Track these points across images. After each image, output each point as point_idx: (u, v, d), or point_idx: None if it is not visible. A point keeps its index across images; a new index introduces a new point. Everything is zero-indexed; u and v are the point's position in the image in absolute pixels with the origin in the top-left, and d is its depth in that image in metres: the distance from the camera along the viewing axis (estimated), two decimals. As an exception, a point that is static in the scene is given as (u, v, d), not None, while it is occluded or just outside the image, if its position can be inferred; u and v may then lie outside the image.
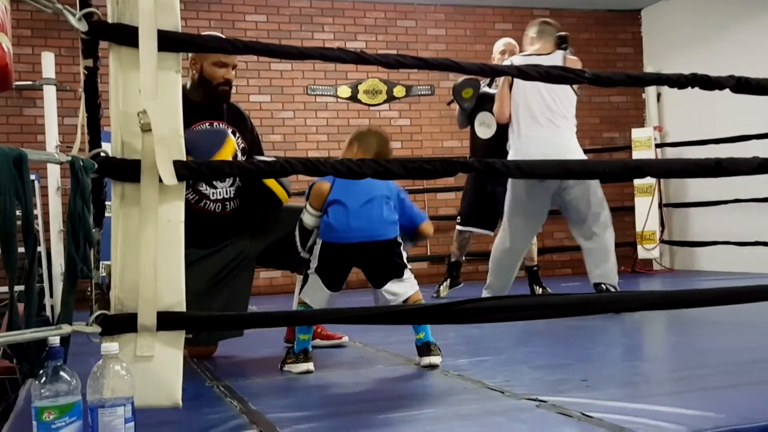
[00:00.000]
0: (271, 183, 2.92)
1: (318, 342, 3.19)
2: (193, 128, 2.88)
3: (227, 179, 2.95)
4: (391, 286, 2.64)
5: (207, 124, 2.98)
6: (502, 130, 4.52)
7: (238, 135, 3.04)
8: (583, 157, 4.14)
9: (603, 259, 4.08)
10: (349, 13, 6.97)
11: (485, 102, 4.78)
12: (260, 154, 3.20)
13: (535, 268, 4.99)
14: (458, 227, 5.05)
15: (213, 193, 2.95)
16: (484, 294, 4.42)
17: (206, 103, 2.99)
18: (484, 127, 4.83)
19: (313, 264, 2.66)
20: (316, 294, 2.64)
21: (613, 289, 4.00)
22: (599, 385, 2.17)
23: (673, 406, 1.85)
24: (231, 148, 2.73)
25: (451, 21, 7.23)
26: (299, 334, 2.63)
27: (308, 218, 2.69)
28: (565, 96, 4.19)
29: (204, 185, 2.92)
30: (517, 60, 4.23)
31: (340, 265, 2.66)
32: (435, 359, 2.60)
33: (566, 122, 4.17)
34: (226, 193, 2.98)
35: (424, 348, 2.63)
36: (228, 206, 2.99)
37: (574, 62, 4.10)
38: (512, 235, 4.24)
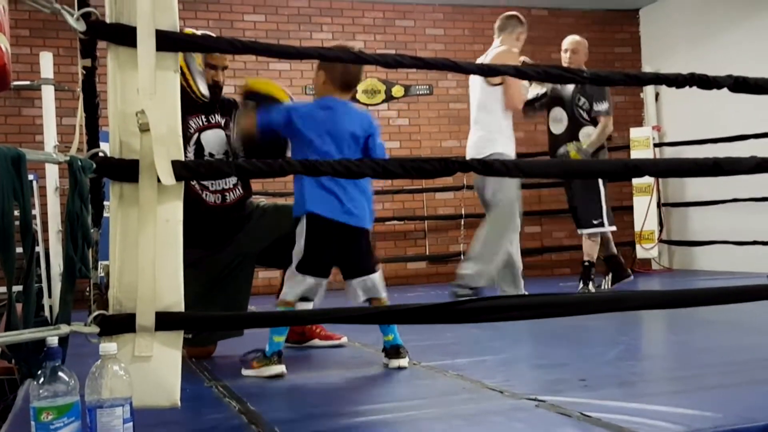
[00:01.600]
0: (266, 86, 2.88)
1: (317, 342, 3.19)
2: (190, 127, 2.89)
3: None
4: (369, 277, 2.62)
5: (203, 117, 2.96)
6: (574, 124, 4.69)
7: (231, 125, 3.01)
8: (498, 152, 4.13)
9: (473, 254, 4.14)
10: (348, 12, 6.97)
11: (556, 99, 4.84)
12: None
13: (587, 264, 4.92)
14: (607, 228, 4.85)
15: (212, 183, 2.89)
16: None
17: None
18: (556, 122, 4.87)
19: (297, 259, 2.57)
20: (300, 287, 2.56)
21: (467, 290, 3.97)
22: (598, 385, 2.17)
23: (671, 406, 1.85)
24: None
25: (450, 21, 7.23)
26: (273, 335, 2.56)
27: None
28: (485, 92, 4.28)
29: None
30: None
31: (326, 244, 2.56)
32: (403, 362, 2.61)
33: (488, 117, 4.24)
34: (226, 183, 2.93)
35: (393, 351, 2.63)
36: (228, 197, 2.95)
37: (500, 54, 4.25)
38: None
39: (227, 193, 2.95)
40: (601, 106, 4.66)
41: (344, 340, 3.19)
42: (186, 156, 2.66)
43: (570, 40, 4.93)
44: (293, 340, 3.23)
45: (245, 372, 2.56)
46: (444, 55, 7.07)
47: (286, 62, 6.55)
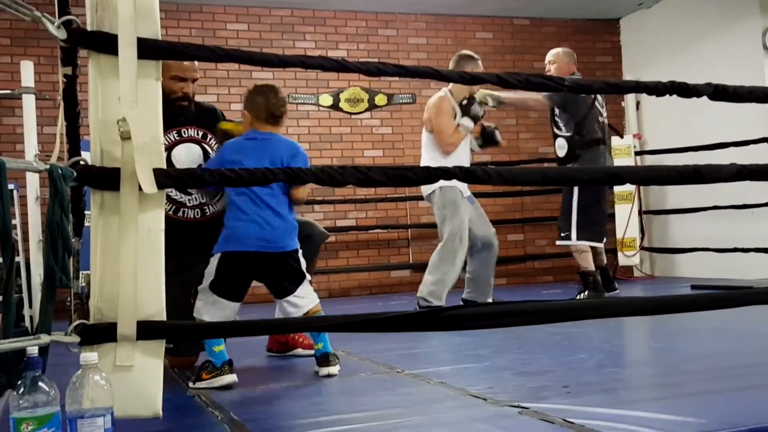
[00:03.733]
0: (237, 128, 2.92)
1: (300, 351, 3.17)
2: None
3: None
4: (294, 298, 2.68)
5: (173, 132, 2.96)
6: (578, 132, 4.74)
7: (210, 136, 3.03)
8: (446, 185, 4.35)
9: (427, 271, 4.40)
10: (331, 21, 6.98)
11: (555, 129, 4.91)
12: None
13: (580, 272, 4.94)
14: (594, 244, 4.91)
15: (189, 200, 2.94)
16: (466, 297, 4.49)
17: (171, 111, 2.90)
18: (561, 149, 4.88)
19: (208, 279, 2.63)
20: (216, 311, 2.61)
21: (423, 303, 4.27)
22: (581, 392, 2.18)
23: (654, 412, 1.86)
24: None
25: (432, 30, 7.27)
26: (213, 346, 2.57)
27: None
28: (425, 135, 4.58)
29: (177, 193, 2.91)
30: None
31: (239, 275, 2.65)
32: (333, 369, 2.66)
33: (428, 156, 4.51)
34: (203, 198, 2.95)
35: (323, 358, 2.68)
36: (207, 210, 2.97)
37: (432, 105, 4.53)
38: None
39: (206, 208, 2.96)
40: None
41: None
42: None
43: (551, 53, 5.02)
44: (276, 350, 3.22)
45: (196, 385, 2.54)
46: (427, 64, 7.10)
47: (268, 71, 6.54)
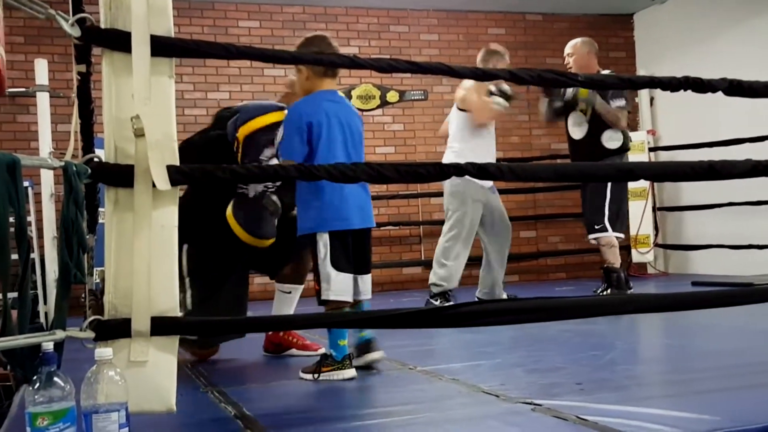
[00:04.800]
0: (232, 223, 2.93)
1: (294, 352, 3.16)
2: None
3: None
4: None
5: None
6: (596, 128, 4.64)
7: None
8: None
9: (435, 258, 4.53)
10: (342, 18, 6.98)
11: (575, 104, 4.77)
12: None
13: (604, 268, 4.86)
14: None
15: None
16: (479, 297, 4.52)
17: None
18: (576, 127, 4.79)
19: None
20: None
21: (434, 302, 4.35)
22: (594, 389, 2.18)
23: (667, 409, 1.85)
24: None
25: (444, 26, 7.25)
26: (338, 340, 2.57)
27: None
28: (456, 117, 4.59)
29: None
30: None
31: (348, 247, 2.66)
32: (377, 354, 2.68)
33: (458, 140, 4.53)
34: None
35: (367, 345, 2.68)
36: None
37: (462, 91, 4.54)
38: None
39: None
40: (618, 102, 4.61)
41: (322, 350, 3.02)
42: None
43: (569, 44, 4.90)
44: (269, 351, 3.20)
45: (318, 378, 2.53)
46: (438, 60, 7.08)
47: (280, 68, 6.54)
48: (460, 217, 4.45)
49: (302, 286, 3.22)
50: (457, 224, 4.46)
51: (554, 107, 4.78)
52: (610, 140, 4.66)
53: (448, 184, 4.48)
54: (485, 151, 4.45)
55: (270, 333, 3.18)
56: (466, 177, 4.05)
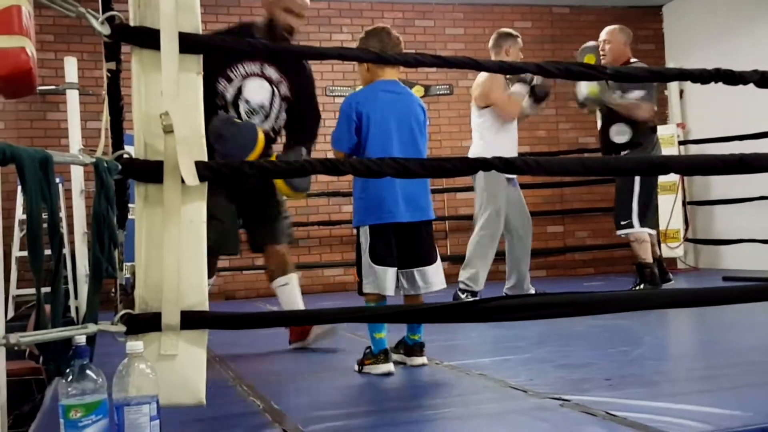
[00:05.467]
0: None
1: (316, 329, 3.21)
2: (239, 69, 3.08)
3: (254, 119, 3.12)
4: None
5: (257, 64, 3.09)
6: (606, 122, 4.59)
7: (283, 81, 3.15)
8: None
9: (465, 261, 4.46)
10: (367, 13, 6.98)
11: (615, 113, 4.62)
12: (311, 109, 3.30)
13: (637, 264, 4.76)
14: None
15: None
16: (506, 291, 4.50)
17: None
18: (621, 135, 4.61)
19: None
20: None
21: (461, 295, 4.30)
22: (623, 384, 2.16)
23: (698, 405, 1.83)
24: (260, 148, 2.86)
25: (470, 20, 7.22)
26: (373, 333, 2.58)
27: None
28: (477, 115, 4.53)
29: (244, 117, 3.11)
30: None
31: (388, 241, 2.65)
32: (425, 359, 2.67)
33: (482, 138, 4.49)
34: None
35: (417, 348, 2.67)
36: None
37: (484, 82, 4.44)
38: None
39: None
40: (635, 93, 4.48)
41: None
42: (225, 93, 3.07)
43: (605, 31, 4.76)
44: (297, 340, 3.24)
45: (361, 370, 2.59)
46: (464, 54, 7.05)
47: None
48: (492, 213, 4.42)
49: (294, 274, 3.30)
50: (490, 220, 4.42)
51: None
52: (618, 134, 4.57)
53: (480, 180, 4.44)
54: (510, 146, 4.43)
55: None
56: (494, 172, 4.02)
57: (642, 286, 4.53)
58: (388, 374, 2.53)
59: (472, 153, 4.49)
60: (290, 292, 3.25)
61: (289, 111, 3.22)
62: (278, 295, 3.28)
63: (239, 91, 3.10)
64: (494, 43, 4.53)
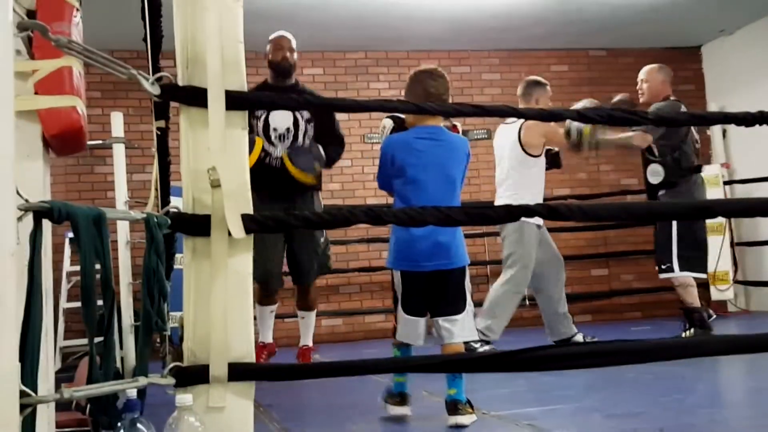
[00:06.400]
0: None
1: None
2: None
3: (285, 141, 4.03)
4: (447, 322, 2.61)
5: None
6: (644, 162, 4.56)
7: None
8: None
9: (483, 308, 4.35)
10: (404, 62, 7.08)
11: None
12: (332, 128, 4.09)
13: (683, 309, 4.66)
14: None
15: (273, 151, 4.03)
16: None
17: (279, 86, 4.12)
18: (656, 176, 4.55)
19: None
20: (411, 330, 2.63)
21: (475, 345, 4.04)
22: (677, 434, 2.09)
23: (758, 456, 1.76)
24: (256, 153, 3.89)
25: (506, 65, 7.27)
26: (395, 376, 2.63)
27: None
28: (521, 159, 4.42)
29: (268, 144, 4.01)
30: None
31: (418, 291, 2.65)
32: (464, 419, 2.45)
33: (522, 182, 4.39)
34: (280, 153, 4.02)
35: (453, 406, 2.49)
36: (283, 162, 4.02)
37: (531, 127, 4.32)
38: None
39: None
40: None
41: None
42: (255, 129, 4.00)
43: (643, 70, 4.74)
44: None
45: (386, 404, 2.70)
46: (500, 99, 7.09)
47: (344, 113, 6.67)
48: (521, 268, 4.33)
49: (308, 312, 4.30)
50: (518, 275, 4.34)
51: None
52: (652, 175, 4.50)
53: (511, 229, 4.37)
54: (540, 192, 4.38)
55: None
56: (531, 223, 3.96)
57: (692, 331, 4.40)
58: (403, 417, 2.58)
59: (502, 199, 4.42)
60: (303, 324, 4.32)
61: (315, 131, 4.03)
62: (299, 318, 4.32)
63: (267, 123, 4.01)
64: (523, 91, 4.50)
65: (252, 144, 3.82)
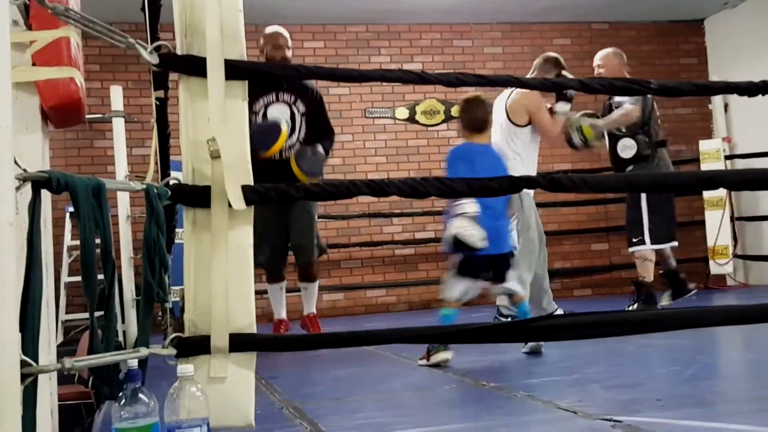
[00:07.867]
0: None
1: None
2: (259, 102, 4.04)
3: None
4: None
5: (273, 94, 4.05)
6: (611, 139, 4.66)
7: (298, 101, 4.09)
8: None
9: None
10: (405, 35, 7.02)
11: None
12: (324, 121, 4.20)
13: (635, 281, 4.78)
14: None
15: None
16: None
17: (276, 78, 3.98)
18: (628, 150, 4.67)
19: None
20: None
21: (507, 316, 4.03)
22: (675, 404, 2.11)
23: (754, 425, 1.78)
24: (282, 140, 3.87)
25: (508, 39, 7.21)
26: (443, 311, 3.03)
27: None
28: (510, 131, 4.23)
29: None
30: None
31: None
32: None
33: (516, 156, 4.21)
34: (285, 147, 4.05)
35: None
36: (284, 154, 4.05)
37: (527, 96, 4.16)
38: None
39: (284, 152, 4.03)
40: (626, 105, 4.53)
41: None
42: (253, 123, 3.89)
43: (599, 55, 4.82)
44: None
45: (422, 363, 3.04)
46: (503, 73, 7.03)
47: (345, 86, 6.63)
48: (535, 230, 4.23)
49: (310, 283, 4.30)
50: (527, 238, 4.26)
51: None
52: (624, 149, 4.60)
53: (517, 201, 4.34)
54: (532, 162, 4.35)
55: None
56: (528, 195, 4.02)
57: (636, 305, 4.47)
58: (446, 361, 2.95)
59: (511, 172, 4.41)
60: (306, 294, 4.31)
61: (308, 125, 4.09)
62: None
63: (264, 117, 4.04)
64: (540, 66, 4.38)
65: (278, 133, 3.85)
